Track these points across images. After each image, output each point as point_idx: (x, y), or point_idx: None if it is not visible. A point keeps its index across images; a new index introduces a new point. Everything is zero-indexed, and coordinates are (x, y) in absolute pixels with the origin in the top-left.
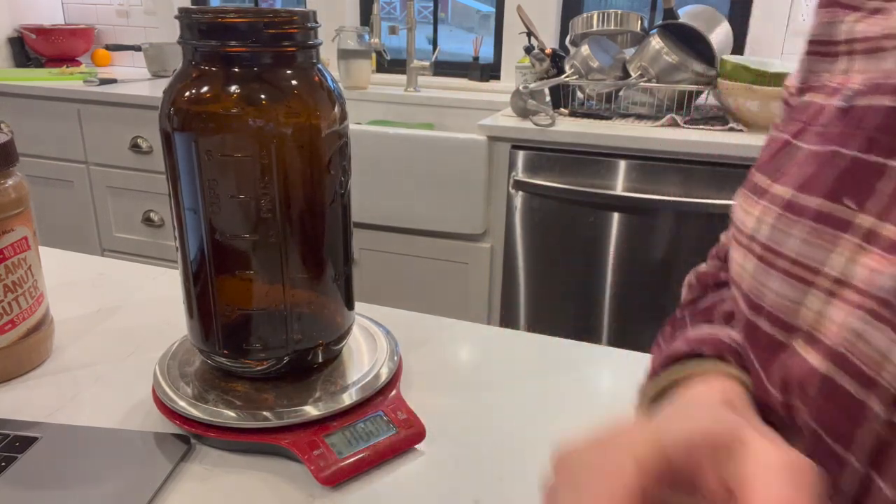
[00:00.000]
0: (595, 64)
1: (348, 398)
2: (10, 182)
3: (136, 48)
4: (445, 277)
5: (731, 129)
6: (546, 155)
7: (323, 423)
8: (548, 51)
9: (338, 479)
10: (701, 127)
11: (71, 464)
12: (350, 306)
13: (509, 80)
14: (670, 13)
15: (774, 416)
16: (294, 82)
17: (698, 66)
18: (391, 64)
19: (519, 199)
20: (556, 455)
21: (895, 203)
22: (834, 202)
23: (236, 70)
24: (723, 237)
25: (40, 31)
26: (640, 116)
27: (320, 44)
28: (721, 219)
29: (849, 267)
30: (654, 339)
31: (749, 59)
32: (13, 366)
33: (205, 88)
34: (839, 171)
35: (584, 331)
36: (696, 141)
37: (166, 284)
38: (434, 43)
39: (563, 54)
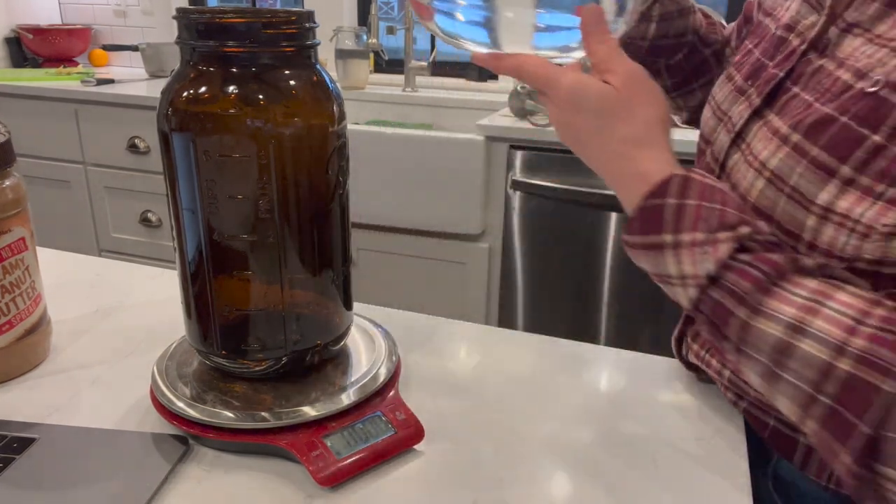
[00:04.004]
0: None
1: (347, 399)
2: (7, 183)
3: (134, 48)
4: (443, 278)
5: None
6: (544, 155)
7: (321, 423)
8: None
9: (336, 480)
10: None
11: (69, 465)
12: (348, 307)
13: (507, 80)
14: None
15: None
16: (292, 82)
17: None
18: (389, 64)
19: (517, 199)
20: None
21: (763, 86)
22: (746, 80)
23: (234, 70)
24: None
25: (37, 31)
26: None
27: (318, 44)
28: None
29: (733, 110)
30: (652, 339)
31: None
32: (11, 367)
33: (203, 89)
34: (755, 67)
35: (582, 331)
36: (695, 141)
37: (164, 285)
38: (432, 43)
39: None
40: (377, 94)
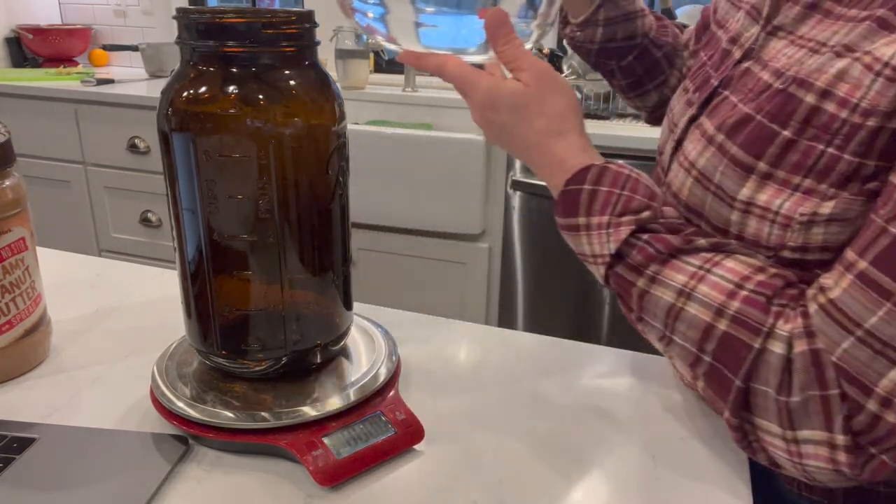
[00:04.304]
0: None
1: (347, 399)
2: (7, 183)
3: (134, 48)
4: (443, 278)
5: None
6: None
7: (321, 423)
8: (545, 51)
9: (336, 480)
10: None
11: (69, 465)
12: (348, 306)
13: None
14: (668, 13)
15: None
16: (292, 82)
17: None
18: (389, 64)
19: (517, 199)
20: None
21: (702, 94)
22: (694, 92)
23: (234, 70)
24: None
25: (37, 31)
26: (637, 117)
27: (318, 44)
28: None
29: (681, 120)
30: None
31: None
32: (11, 367)
33: (203, 89)
34: (704, 79)
35: (582, 330)
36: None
37: (164, 285)
38: None
39: (561, 54)
40: (377, 94)
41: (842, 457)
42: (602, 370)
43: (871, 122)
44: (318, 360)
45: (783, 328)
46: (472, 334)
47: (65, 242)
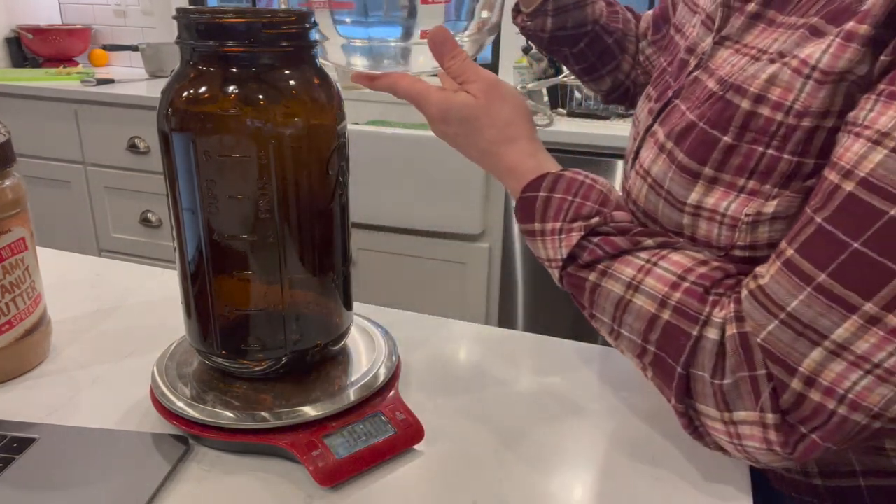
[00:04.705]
0: None
1: (347, 399)
2: (7, 183)
3: (134, 48)
4: (443, 278)
5: None
6: None
7: (321, 423)
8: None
9: (336, 480)
10: None
11: (69, 465)
12: (348, 306)
13: (507, 80)
14: None
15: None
16: (292, 82)
17: None
18: None
19: None
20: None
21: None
22: (656, 101)
23: (234, 70)
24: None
25: (37, 31)
26: None
27: (318, 44)
28: None
29: (642, 125)
30: None
31: None
32: (11, 367)
33: (203, 89)
34: (664, 87)
35: (582, 331)
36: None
37: (164, 285)
38: None
39: None
40: (377, 94)
41: (773, 436)
42: (602, 370)
43: (806, 123)
44: (319, 360)
45: (718, 315)
46: (472, 334)
47: (65, 242)
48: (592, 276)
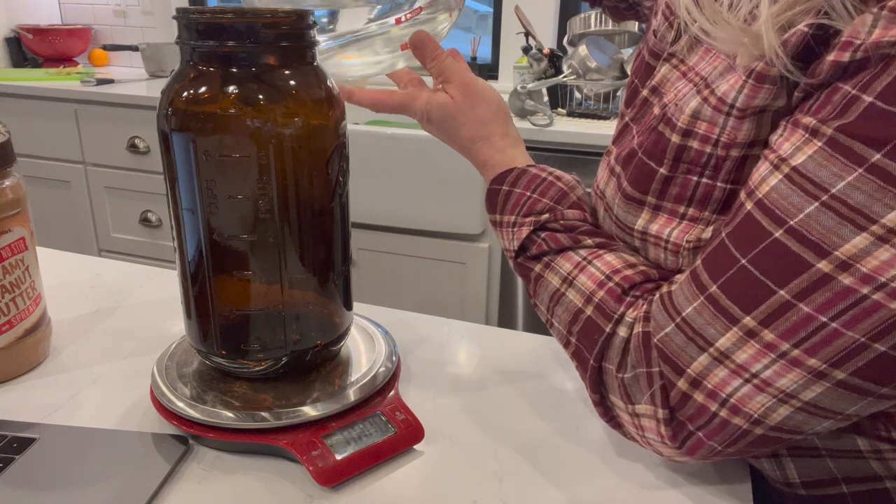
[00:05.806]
0: (593, 64)
1: (347, 399)
2: (7, 182)
3: (134, 48)
4: (443, 278)
5: None
6: (544, 155)
7: (321, 423)
8: (545, 51)
9: (336, 480)
10: None
11: (69, 465)
12: (348, 307)
13: (507, 81)
14: None
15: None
16: (292, 82)
17: None
18: None
19: None
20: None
21: (637, 114)
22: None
23: (234, 70)
24: None
25: (37, 32)
26: None
27: (318, 44)
28: None
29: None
30: None
31: None
32: (11, 367)
33: (203, 89)
34: (635, 98)
35: None
36: None
37: (164, 285)
38: None
39: (561, 54)
40: None
41: (664, 430)
42: None
43: (735, 153)
44: (318, 360)
45: (630, 315)
46: (471, 334)
47: (65, 242)
48: (537, 268)
